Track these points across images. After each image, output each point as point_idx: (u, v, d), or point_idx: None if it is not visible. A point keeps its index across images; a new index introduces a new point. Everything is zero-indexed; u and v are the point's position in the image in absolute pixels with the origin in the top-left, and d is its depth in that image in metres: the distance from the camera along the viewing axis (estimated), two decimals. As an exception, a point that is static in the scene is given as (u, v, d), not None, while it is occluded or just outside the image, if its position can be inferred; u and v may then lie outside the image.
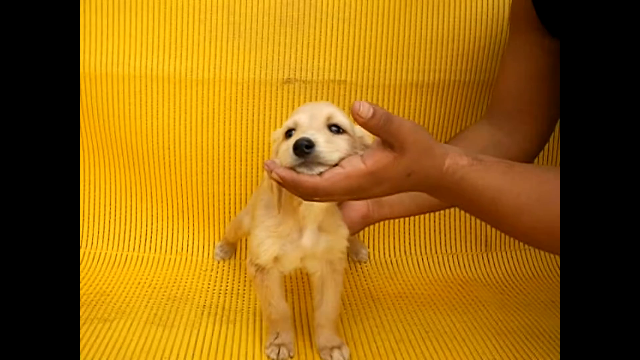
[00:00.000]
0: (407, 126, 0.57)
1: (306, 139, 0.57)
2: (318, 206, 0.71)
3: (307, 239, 0.73)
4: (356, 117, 0.55)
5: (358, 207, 0.80)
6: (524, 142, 0.86)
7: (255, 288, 0.80)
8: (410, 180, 0.60)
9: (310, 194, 0.59)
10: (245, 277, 1.04)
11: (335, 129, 0.64)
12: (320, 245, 0.74)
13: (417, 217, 1.15)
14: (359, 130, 0.65)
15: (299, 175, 0.58)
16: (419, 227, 1.15)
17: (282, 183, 0.60)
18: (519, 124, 0.86)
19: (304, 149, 0.57)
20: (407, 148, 0.57)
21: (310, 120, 0.64)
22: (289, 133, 0.65)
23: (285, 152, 0.59)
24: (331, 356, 0.77)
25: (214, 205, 1.12)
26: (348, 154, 0.60)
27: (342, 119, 0.65)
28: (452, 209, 1.13)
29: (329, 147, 0.58)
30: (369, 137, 0.66)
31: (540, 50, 0.83)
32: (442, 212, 1.15)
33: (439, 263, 1.12)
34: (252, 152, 1.09)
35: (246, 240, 1.12)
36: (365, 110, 0.55)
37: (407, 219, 1.14)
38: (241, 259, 1.11)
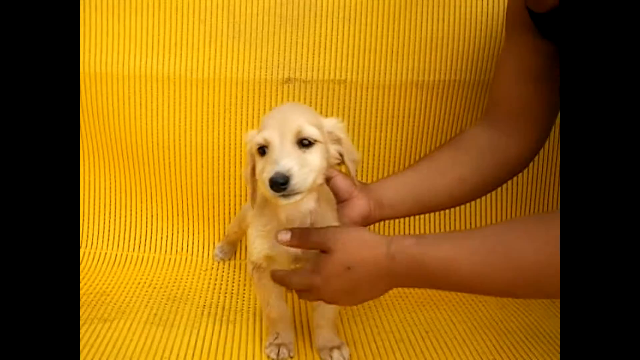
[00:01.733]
0: (330, 231, 0.66)
1: (281, 176, 0.60)
2: (305, 208, 0.70)
3: None
4: (283, 245, 0.68)
5: (359, 208, 0.80)
6: (522, 144, 0.86)
7: (254, 287, 0.80)
8: (354, 272, 0.64)
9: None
10: (245, 277, 1.04)
11: (306, 142, 0.65)
12: None
13: (417, 217, 1.15)
14: (328, 125, 0.68)
15: (289, 275, 0.69)
16: (419, 227, 1.15)
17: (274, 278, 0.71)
18: (516, 125, 0.86)
19: (279, 186, 0.60)
20: (334, 248, 0.64)
21: (280, 138, 0.64)
22: (262, 149, 0.66)
23: (262, 184, 0.63)
24: (331, 356, 0.77)
25: (214, 205, 1.12)
26: (322, 167, 0.66)
27: (310, 131, 0.65)
28: (452, 209, 1.13)
29: (302, 174, 0.62)
30: (340, 130, 0.69)
31: (535, 52, 0.83)
32: (441, 212, 1.15)
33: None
34: (252, 152, 1.09)
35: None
36: (283, 237, 0.68)
37: (406, 218, 1.14)
38: (241, 259, 1.11)
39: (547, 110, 0.86)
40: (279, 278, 0.71)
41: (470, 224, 1.15)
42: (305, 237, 0.67)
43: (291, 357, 0.77)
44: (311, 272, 0.67)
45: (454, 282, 0.62)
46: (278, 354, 0.77)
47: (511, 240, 0.58)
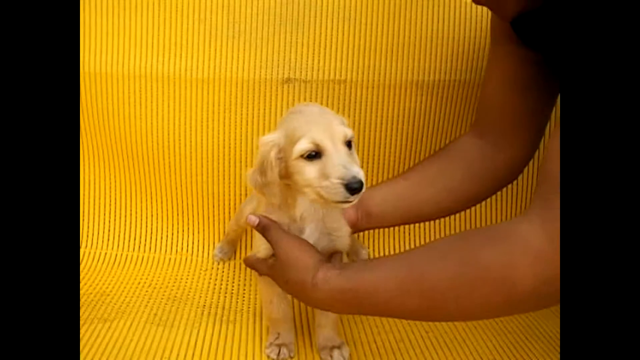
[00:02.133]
0: (283, 240, 0.70)
1: (358, 181, 0.62)
2: (318, 204, 0.71)
3: (309, 237, 0.73)
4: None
5: (346, 217, 0.80)
6: (511, 152, 0.86)
7: (259, 285, 0.80)
8: (291, 286, 0.69)
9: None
10: (245, 277, 1.04)
11: (349, 144, 0.67)
12: (322, 243, 0.74)
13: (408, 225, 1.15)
14: (349, 130, 0.68)
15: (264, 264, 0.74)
16: (419, 226, 1.15)
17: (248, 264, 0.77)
18: (505, 134, 0.85)
19: (355, 191, 0.62)
20: (279, 258, 0.70)
21: (332, 142, 0.65)
22: (311, 155, 0.65)
23: (330, 189, 0.63)
24: (331, 356, 0.77)
25: (214, 205, 1.12)
26: None
27: (351, 134, 0.68)
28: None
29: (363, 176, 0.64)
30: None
31: (520, 62, 0.83)
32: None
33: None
34: (252, 152, 1.09)
35: (247, 239, 1.12)
36: (251, 220, 0.72)
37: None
38: (241, 258, 1.11)
39: (536, 120, 0.86)
40: (251, 264, 0.76)
41: (470, 223, 1.15)
42: (263, 228, 0.71)
43: (291, 357, 0.78)
44: (269, 268, 0.73)
45: (376, 310, 0.63)
46: (278, 354, 0.77)
47: (425, 264, 0.59)
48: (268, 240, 0.71)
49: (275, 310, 0.78)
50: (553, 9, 0.69)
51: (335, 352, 0.77)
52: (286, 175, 0.68)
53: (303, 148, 0.65)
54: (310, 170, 0.65)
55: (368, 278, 0.61)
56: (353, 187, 0.62)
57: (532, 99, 0.84)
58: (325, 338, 0.79)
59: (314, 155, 0.65)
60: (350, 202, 0.64)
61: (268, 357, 0.77)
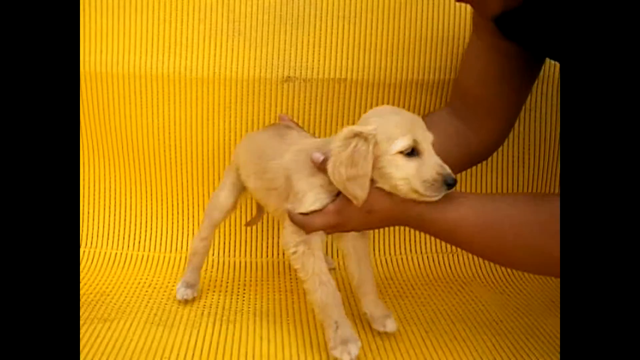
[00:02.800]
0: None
1: (454, 178, 0.68)
2: None
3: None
4: (314, 164, 0.73)
5: None
6: (484, 136, 0.89)
7: (302, 264, 0.75)
8: (373, 216, 0.72)
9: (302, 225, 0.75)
10: (245, 277, 1.04)
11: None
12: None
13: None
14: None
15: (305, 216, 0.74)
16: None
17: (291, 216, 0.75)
18: (478, 118, 0.89)
19: (450, 187, 0.68)
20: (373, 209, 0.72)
21: (427, 144, 0.70)
22: (408, 152, 0.69)
23: (431, 184, 0.68)
24: (384, 325, 0.81)
25: (214, 205, 1.11)
26: None
27: (434, 139, 0.72)
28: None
29: None
30: None
31: (500, 55, 0.85)
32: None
33: (439, 262, 1.12)
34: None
35: (244, 237, 1.12)
36: (316, 157, 0.73)
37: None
38: (240, 256, 1.11)
39: (510, 109, 0.90)
40: (299, 221, 0.74)
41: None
42: None
43: (359, 348, 0.73)
44: (334, 213, 0.73)
45: (456, 239, 0.72)
46: (350, 354, 0.72)
47: (511, 212, 0.67)
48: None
49: (325, 291, 0.74)
50: (535, 6, 0.71)
51: (388, 321, 0.80)
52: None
53: (405, 145, 0.68)
54: (410, 166, 0.69)
55: (453, 215, 0.69)
56: (450, 183, 0.68)
57: (508, 91, 0.88)
58: (375, 306, 0.82)
59: (411, 152, 0.69)
60: (439, 195, 0.69)
61: (339, 358, 0.72)
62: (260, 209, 1.03)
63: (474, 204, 0.69)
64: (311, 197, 0.74)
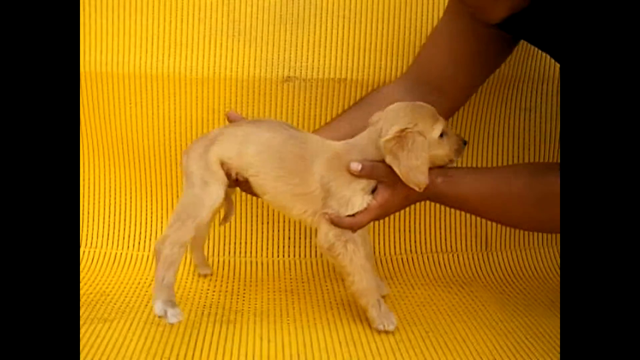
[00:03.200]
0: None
1: (465, 140, 0.85)
2: None
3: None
4: (353, 174, 0.81)
5: None
6: (438, 109, 0.91)
7: (350, 261, 0.82)
8: (409, 199, 0.84)
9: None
10: (245, 277, 1.04)
11: None
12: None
13: (417, 215, 1.15)
14: None
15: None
16: (419, 225, 1.15)
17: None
18: (434, 95, 0.91)
19: (466, 144, 0.85)
20: (398, 183, 0.80)
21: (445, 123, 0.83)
22: (442, 134, 0.82)
23: (459, 149, 0.84)
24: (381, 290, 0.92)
25: (214, 205, 1.11)
26: None
27: None
28: (451, 209, 1.14)
29: None
30: None
31: (472, 35, 0.88)
32: (442, 211, 1.15)
33: (439, 262, 1.12)
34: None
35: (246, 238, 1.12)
36: (355, 167, 0.80)
37: (407, 217, 1.14)
38: (241, 255, 1.11)
39: (467, 90, 0.97)
40: (348, 223, 0.81)
41: (470, 223, 1.15)
42: (371, 169, 0.80)
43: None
44: (377, 208, 0.82)
45: (466, 209, 0.88)
46: (394, 323, 0.84)
47: (506, 179, 0.81)
48: (378, 176, 0.81)
49: (367, 277, 0.83)
50: (542, 7, 0.71)
51: (382, 303, 0.85)
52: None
53: (441, 128, 0.81)
54: (447, 143, 0.82)
55: (466, 187, 0.82)
56: (465, 142, 0.85)
57: (472, 72, 0.94)
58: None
59: (442, 135, 0.82)
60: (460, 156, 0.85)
61: (381, 329, 0.83)
62: (230, 205, 0.98)
63: (479, 178, 0.83)
64: (358, 201, 0.81)
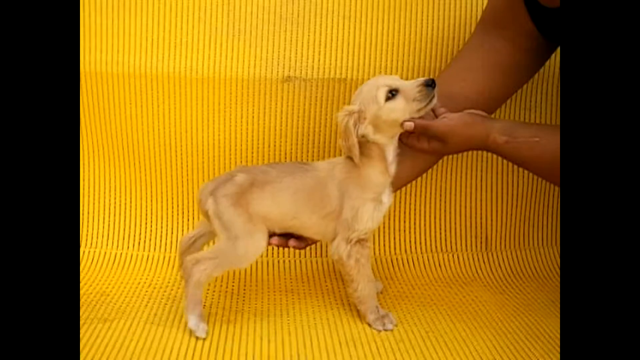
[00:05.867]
0: (442, 127, 0.83)
1: (430, 78, 0.81)
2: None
3: (388, 197, 0.87)
4: (407, 130, 0.83)
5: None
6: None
7: (358, 271, 0.86)
8: (460, 153, 0.93)
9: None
10: (245, 277, 1.04)
11: None
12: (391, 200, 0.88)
13: (417, 215, 1.15)
14: None
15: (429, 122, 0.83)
16: (419, 225, 1.15)
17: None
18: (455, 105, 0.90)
19: (434, 83, 0.80)
20: (447, 141, 0.83)
21: (398, 80, 0.83)
22: (390, 96, 0.82)
23: (420, 94, 0.81)
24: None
25: (214, 205, 1.11)
26: None
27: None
28: (451, 209, 1.14)
29: None
30: None
31: (514, 48, 0.89)
32: (441, 211, 1.15)
33: (439, 262, 1.12)
34: (253, 150, 1.09)
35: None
36: (408, 126, 0.82)
37: (407, 217, 1.14)
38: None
39: (502, 98, 0.97)
40: (421, 125, 0.83)
41: (471, 223, 1.15)
42: (425, 128, 0.83)
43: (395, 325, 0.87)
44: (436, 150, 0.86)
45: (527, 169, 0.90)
46: (392, 323, 0.87)
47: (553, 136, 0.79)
48: (435, 132, 0.82)
49: (370, 286, 0.87)
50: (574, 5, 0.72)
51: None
52: (381, 129, 0.83)
53: (386, 91, 0.81)
54: (397, 102, 0.82)
55: (527, 155, 0.81)
56: (429, 83, 0.80)
57: (510, 83, 0.94)
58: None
59: (393, 94, 0.81)
60: (434, 98, 0.81)
61: (378, 329, 0.85)
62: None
63: (541, 143, 0.81)
64: (368, 210, 0.85)
